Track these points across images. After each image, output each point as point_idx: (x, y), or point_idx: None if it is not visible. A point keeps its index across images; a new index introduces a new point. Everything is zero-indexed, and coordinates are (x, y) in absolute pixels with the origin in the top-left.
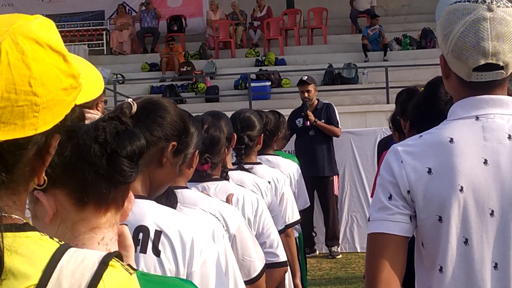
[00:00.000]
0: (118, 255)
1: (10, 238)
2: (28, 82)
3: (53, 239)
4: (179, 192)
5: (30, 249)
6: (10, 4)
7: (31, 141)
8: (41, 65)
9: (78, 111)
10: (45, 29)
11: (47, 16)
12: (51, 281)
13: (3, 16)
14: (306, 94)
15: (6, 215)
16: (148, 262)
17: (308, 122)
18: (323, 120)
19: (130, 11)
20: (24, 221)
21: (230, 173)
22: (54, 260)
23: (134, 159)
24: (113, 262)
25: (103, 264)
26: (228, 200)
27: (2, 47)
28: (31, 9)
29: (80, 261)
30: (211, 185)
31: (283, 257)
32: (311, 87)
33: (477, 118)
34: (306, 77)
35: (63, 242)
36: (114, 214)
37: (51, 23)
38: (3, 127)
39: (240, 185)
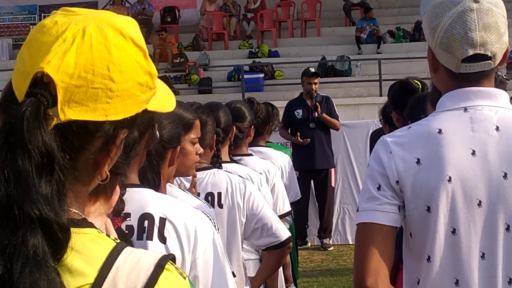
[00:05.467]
0: (173, 258)
1: None
2: (107, 65)
3: (109, 236)
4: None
5: (87, 246)
6: None
7: (100, 129)
8: (122, 54)
9: (148, 117)
10: (129, 24)
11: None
12: (106, 281)
13: (90, 10)
14: (313, 86)
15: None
16: (155, 249)
17: (316, 113)
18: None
19: (123, 2)
20: (82, 216)
21: (224, 165)
22: (111, 260)
23: (127, 151)
24: (169, 266)
25: (159, 267)
26: (193, 184)
27: (87, 30)
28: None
29: (136, 262)
30: (201, 175)
31: (282, 236)
32: (317, 80)
33: (465, 109)
34: (313, 69)
35: (119, 241)
36: (103, 203)
37: (135, 22)
38: (75, 107)
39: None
